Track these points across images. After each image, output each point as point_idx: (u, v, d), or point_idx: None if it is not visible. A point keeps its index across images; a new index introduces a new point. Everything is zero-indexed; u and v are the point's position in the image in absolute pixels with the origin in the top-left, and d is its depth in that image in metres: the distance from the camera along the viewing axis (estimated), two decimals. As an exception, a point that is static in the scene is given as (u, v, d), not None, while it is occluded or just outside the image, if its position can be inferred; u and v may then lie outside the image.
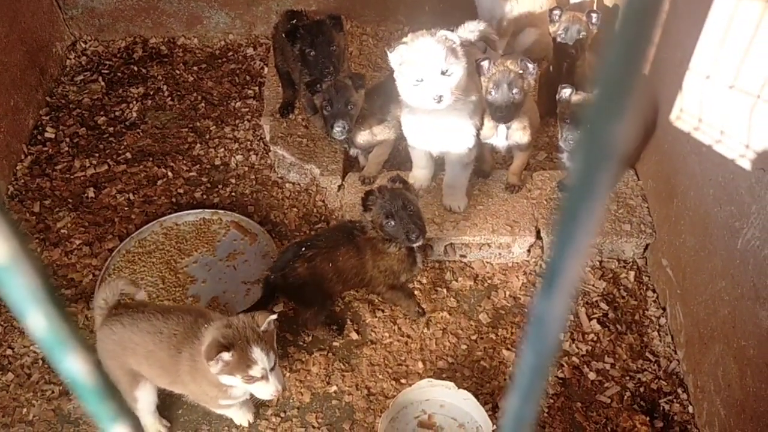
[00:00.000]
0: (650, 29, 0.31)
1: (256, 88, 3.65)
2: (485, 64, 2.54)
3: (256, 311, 2.04)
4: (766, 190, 1.94)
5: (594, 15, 2.88)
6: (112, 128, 3.45)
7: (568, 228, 0.33)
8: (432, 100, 2.38)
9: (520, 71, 2.51)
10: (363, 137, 2.86)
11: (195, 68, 3.80)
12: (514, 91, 2.50)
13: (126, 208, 3.06)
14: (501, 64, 2.52)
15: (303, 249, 2.43)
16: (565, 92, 2.53)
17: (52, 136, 3.41)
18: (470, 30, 2.94)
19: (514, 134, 2.70)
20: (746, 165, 2.04)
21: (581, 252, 0.33)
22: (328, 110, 2.67)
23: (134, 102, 3.59)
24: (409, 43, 2.41)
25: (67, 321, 0.40)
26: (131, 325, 2.03)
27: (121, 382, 2.13)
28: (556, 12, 2.97)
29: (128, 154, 3.31)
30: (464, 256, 2.86)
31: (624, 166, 2.90)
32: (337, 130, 2.66)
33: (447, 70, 2.37)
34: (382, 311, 2.69)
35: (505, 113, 2.55)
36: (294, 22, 2.95)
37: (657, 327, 2.64)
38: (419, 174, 2.89)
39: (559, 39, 2.95)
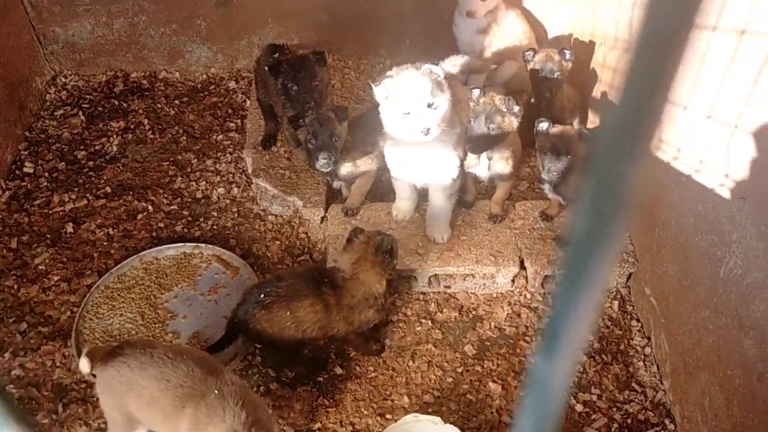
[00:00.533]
0: (670, 66, 0.30)
1: (239, 120, 3.64)
2: (476, 92, 2.57)
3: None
4: (747, 218, 1.95)
5: (567, 52, 2.93)
6: (91, 162, 3.42)
7: (573, 283, 0.31)
8: (419, 133, 2.40)
9: (504, 108, 2.54)
10: (346, 169, 2.85)
11: (176, 102, 3.80)
12: (491, 126, 2.53)
13: (105, 243, 3.02)
14: (488, 97, 2.55)
15: (262, 295, 2.35)
16: (542, 126, 2.57)
17: (31, 170, 3.37)
18: (453, 64, 2.99)
19: (496, 164, 2.72)
20: (726, 194, 2.05)
21: (588, 309, 0.31)
22: (312, 143, 2.67)
23: (114, 136, 3.57)
24: (395, 77, 2.43)
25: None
26: (139, 369, 1.95)
27: (117, 424, 2.06)
28: (529, 53, 3.03)
29: (108, 188, 3.27)
30: (448, 287, 2.84)
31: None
32: (322, 162, 2.66)
33: (433, 103, 2.39)
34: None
35: (474, 144, 2.58)
36: (276, 55, 2.96)
37: (642, 357, 2.63)
38: (402, 205, 2.89)
39: (540, 74, 2.99)
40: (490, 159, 2.71)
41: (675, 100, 2.36)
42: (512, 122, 2.61)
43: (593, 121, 3.25)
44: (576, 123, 3.23)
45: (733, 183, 2.02)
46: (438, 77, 2.42)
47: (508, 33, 3.51)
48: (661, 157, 2.52)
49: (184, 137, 3.57)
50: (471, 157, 2.73)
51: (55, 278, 2.86)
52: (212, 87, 3.90)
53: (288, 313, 2.32)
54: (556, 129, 2.58)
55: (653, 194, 2.62)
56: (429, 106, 2.39)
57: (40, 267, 2.91)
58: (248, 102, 3.66)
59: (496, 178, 2.80)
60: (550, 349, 0.32)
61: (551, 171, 2.55)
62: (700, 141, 2.23)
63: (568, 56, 2.94)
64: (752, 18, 1.89)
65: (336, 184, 3.00)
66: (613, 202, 0.32)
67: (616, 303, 2.81)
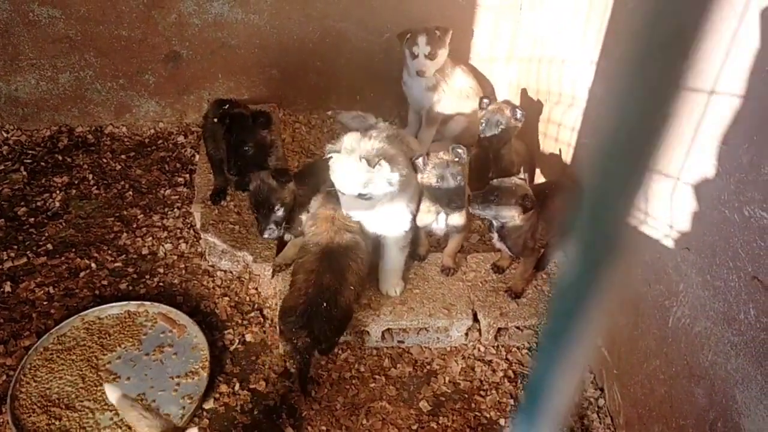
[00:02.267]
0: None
1: (187, 175, 3.59)
2: (419, 162, 2.60)
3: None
4: (691, 268, 2.00)
5: (519, 111, 3.01)
6: (32, 219, 3.30)
7: (556, 340, 0.29)
8: (346, 211, 2.51)
9: (455, 159, 2.57)
10: (304, 222, 2.82)
11: (123, 156, 3.73)
12: (458, 178, 2.56)
13: (45, 303, 2.89)
14: (435, 157, 2.58)
15: None
16: (494, 182, 2.61)
17: (-33, 227, 3.23)
18: (355, 117, 3.06)
19: (453, 218, 2.74)
20: (671, 244, 2.10)
21: (572, 371, 0.30)
22: (255, 214, 2.73)
23: (57, 191, 3.47)
24: (337, 158, 2.45)
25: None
26: None
27: None
28: (486, 101, 3.10)
29: (49, 246, 3.15)
30: (402, 342, 2.80)
31: (552, 248, 2.95)
32: (267, 234, 2.76)
33: (366, 194, 2.43)
34: (319, 403, 2.58)
35: (458, 201, 2.60)
36: (225, 107, 2.96)
37: (596, 408, 2.63)
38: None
39: (480, 128, 3.06)
40: (447, 214, 2.73)
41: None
42: (517, 127, 3.00)
43: (539, 174, 3.32)
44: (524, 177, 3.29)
45: (678, 233, 2.07)
46: (378, 161, 2.38)
47: (455, 89, 3.59)
48: (607, 209, 2.57)
49: (131, 192, 3.49)
50: (425, 214, 2.74)
51: (-11, 341, 2.71)
52: (160, 141, 3.85)
53: None
54: (507, 182, 2.61)
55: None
56: (361, 196, 2.43)
57: (-28, 329, 2.76)
58: (197, 156, 3.62)
59: (451, 231, 2.82)
60: (529, 416, 0.30)
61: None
62: (644, 193, 2.29)
63: (519, 116, 3.02)
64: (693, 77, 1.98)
65: (287, 236, 2.97)
66: (602, 253, 0.31)
67: (568, 354, 2.81)
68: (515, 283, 2.83)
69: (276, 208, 2.68)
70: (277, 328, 2.70)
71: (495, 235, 2.74)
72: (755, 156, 1.71)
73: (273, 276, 2.92)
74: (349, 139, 2.45)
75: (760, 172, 1.70)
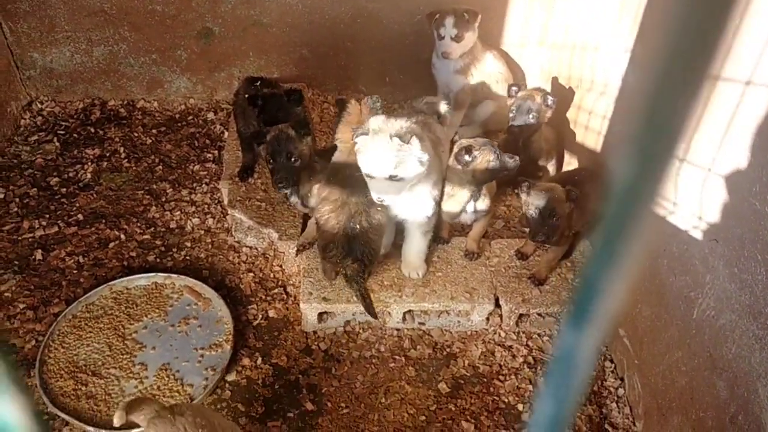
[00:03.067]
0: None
1: (216, 151, 3.63)
2: (514, 89, 2.97)
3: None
4: (719, 260, 1.98)
5: (550, 98, 3.00)
6: (64, 189, 3.36)
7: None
8: (375, 198, 2.45)
9: (541, 101, 2.96)
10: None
11: (154, 131, 3.78)
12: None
13: (75, 272, 2.95)
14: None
15: None
16: (525, 185, 2.60)
17: (1, 196, 3.30)
18: (427, 102, 3.01)
19: (480, 203, 2.75)
20: (699, 236, 2.08)
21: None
22: (271, 164, 2.70)
23: (89, 163, 3.53)
24: (364, 140, 2.42)
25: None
26: None
27: None
28: (514, 88, 3.08)
29: (80, 216, 3.22)
30: (423, 324, 2.82)
31: (580, 237, 2.94)
32: (282, 185, 2.74)
33: (396, 175, 2.39)
34: (339, 381, 2.61)
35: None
36: (257, 84, 2.97)
37: (615, 398, 2.62)
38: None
39: (510, 116, 3.05)
40: (475, 200, 2.74)
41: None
42: (548, 114, 3.04)
43: (569, 162, 3.29)
44: (552, 164, 3.28)
45: (706, 225, 2.05)
46: (411, 137, 2.36)
47: (485, 73, 3.57)
48: (635, 199, 2.55)
49: (160, 167, 3.54)
50: (454, 204, 2.75)
51: (21, 306, 2.78)
52: (190, 117, 3.89)
53: None
54: (541, 187, 2.59)
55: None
56: (391, 177, 2.39)
57: (5, 294, 2.83)
58: (226, 133, 3.65)
59: (478, 216, 2.82)
60: (578, 320, 0.31)
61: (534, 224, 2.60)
62: (674, 183, 2.27)
63: (550, 102, 3.00)
64: (728, 67, 1.95)
65: (292, 200, 2.97)
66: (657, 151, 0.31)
67: (589, 343, 2.80)
68: (539, 270, 2.83)
69: (293, 159, 2.67)
70: (321, 268, 2.78)
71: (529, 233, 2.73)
72: (790, 148, 1.69)
73: (297, 254, 2.94)
74: (376, 121, 2.45)
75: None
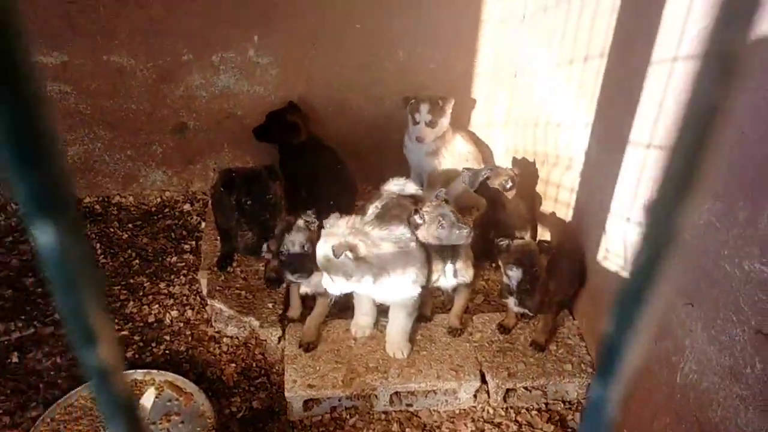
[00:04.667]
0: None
1: (193, 242, 3.64)
2: (416, 217, 2.67)
3: None
4: (696, 323, 2.02)
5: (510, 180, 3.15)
6: (40, 289, 3.32)
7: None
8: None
9: (443, 199, 2.80)
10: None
11: (130, 225, 3.79)
12: (456, 216, 2.71)
13: (52, 373, 2.88)
14: (427, 206, 2.68)
15: None
16: (503, 243, 2.68)
17: (-26, 299, 3.25)
18: (396, 184, 3.10)
19: (461, 271, 2.79)
20: (676, 299, 2.13)
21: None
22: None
23: (65, 261, 3.50)
24: (324, 237, 2.54)
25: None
26: None
27: None
28: (466, 173, 3.26)
29: (56, 316, 3.17)
30: (410, 405, 2.79)
31: (559, 307, 2.97)
32: (299, 274, 2.77)
33: (350, 275, 2.52)
34: (328, 470, 2.55)
35: (465, 227, 2.66)
36: (233, 174, 3.04)
37: (609, 469, 2.59)
38: (362, 321, 2.88)
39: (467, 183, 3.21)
40: (455, 264, 2.78)
41: (617, 211, 2.50)
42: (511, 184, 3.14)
43: (542, 234, 3.37)
44: (527, 236, 3.35)
45: (682, 290, 2.10)
46: (347, 246, 2.46)
47: (455, 154, 3.69)
48: (609, 267, 2.62)
49: (137, 261, 3.53)
50: (435, 270, 2.79)
51: (-5, 412, 2.70)
52: (167, 210, 3.91)
53: None
54: (519, 242, 2.70)
55: (603, 303, 2.69)
56: (345, 274, 2.52)
57: (-22, 401, 2.75)
58: (203, 224, 3.67)
59: (460, 285, 2.86)
60: (606, 374, 0.34)
61: (516, 282, 2.65)
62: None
63: (508, 183, 3.14)
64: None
65: (302, 289, 2.95)
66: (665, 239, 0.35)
67: (578, 415, 2.79)
68: (537, 336, 2.85)
69: (306, 249, 2.70)
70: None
71: (511, 300, 2.77)
72: (751, 212, 1.77)
73: (279, 341, 2.93)
74: (331, 221, 2.58)
75: (757, 228, 1.75)
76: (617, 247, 2.55)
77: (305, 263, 2.72)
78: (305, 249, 2.70)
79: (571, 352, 2.84)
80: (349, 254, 2.43)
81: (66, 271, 0.34)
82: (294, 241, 2.70)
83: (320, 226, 2.65)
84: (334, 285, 2.57)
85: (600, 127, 2.72)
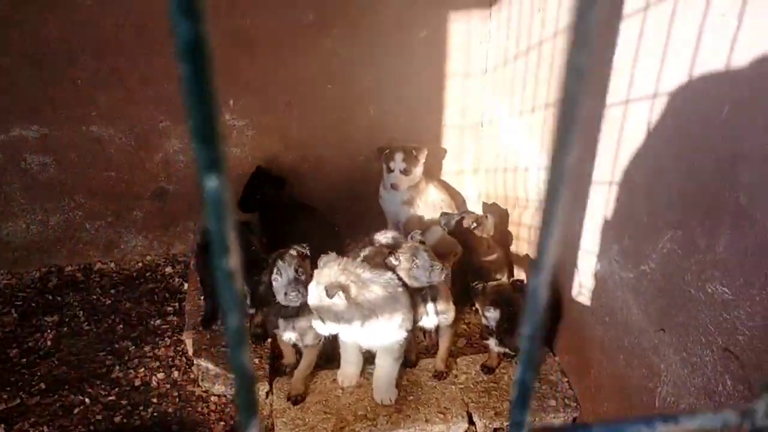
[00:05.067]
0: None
1: (176, 304, 3.67)
2: (391, 258, 2.77)
3: None
4: (668, 348, 2.12)
5: (489, 217, 3.27)
6: (24, 359, 3.32)
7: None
8: None
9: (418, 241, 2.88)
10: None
11: (112, 291, 3.81)
12: (430, 255, 2.81)
13: (40, 443, 2.87)
14: (404, 247, 2.78)
15: None
16: (478, 286, 2.79)
17: (-42, 373, 3.23)
18: (384, 236, 3.21)
19: (442, 311, 2.90)
20: (648, 327, 2.23)
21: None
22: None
23: (49, 331, 3.51)
24: (317, 277, 2.63)
25: None
26: None
27: None
28: (443, 217, 3.42)
29: (42, 385, 3.16)
30: (401, 451, 2.82)
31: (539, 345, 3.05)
32: (292, 295, 2.73)
33: (342, 318, 2.60)
34: None
35: (438, 266, 2.77)
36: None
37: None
38: (348, 370, 2.93)
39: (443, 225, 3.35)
40: (436, 303, 2.87)
41: (587, 247, 2.61)
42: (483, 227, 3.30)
43: (518, 274, 3.47)
44: (504, 278, 3.46)
45: (652, 316, 2.20)
46: (338, 287, 2.53)
47: (429, 202, 3.82)
48: (584, 302, 2.72)
49: (121, 325, 3.55)
50: (418, 311, 2.88)
51: (-18, 487, 2.67)
52: (148, 274, 3.95)
53: None
54: (493, 284, 2.80)
55: (581, 337, 2.78)
56: (336, 316, 2.59)
57: (-35, 477, 2.72)
58: (185, 285, 3.72)
59: (443, 325, 2.96)
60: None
61: (495, 322, 2.74)
62: (617, 280, 2.45)
63: (477, 220, 3.28)
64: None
65: (287, 336, 2.94)
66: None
67: (565, 449, 2.84)
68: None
69: (299, 273, 2.73)
70: None
71: (492, 341, 2.86)
72: (709, 239, 1.89)
73: (267, 396, 2.95)
74: (325, 259, 2.67)
75: (716, 253, 1.87)
76: (589, 281, 2.65)
77: (301, 286, 2.73)
78: (299, 273, 2.73)
79: (554, 388, 2.91)
80: (341, 295, 2.49)
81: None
82: (287, 267, 2.73)
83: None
84: (324, 327, 2.62)
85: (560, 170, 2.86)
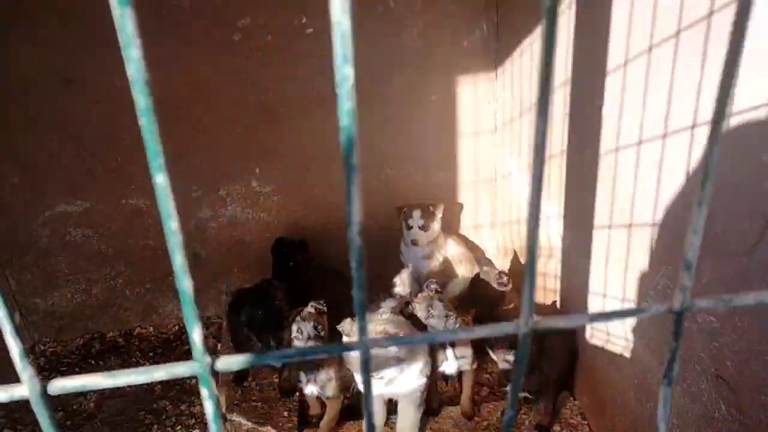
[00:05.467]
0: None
1: (211, 364, 3.84)
2: (408, 309, 2.95)
3: None
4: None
5: (505, 277, 3.38)
6: (69, 422, 3.51)
7: None
8: None
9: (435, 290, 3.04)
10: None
11: (151, 354, 4.01)
12: (443, 303, 2.96)
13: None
14: (420, 297, 2.98)
15: None
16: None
17: (8, 436, 3.44)
18: (389, 305, 3.37)
19: (461, 355, 3.03)
20: (651, 362, 2.32)
21: None
22: (257, 317, 3.04)
23: (92, 394, 3.71)
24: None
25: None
26: None
27: None
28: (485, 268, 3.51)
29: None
30: (426, 499, 2.88)
31: (560, 390, 3.13)
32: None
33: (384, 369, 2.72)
34: None
35: (452, 314, 2.94)
36: (240, 293, 3.31)
37: None
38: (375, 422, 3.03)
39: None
40: (455, 352, 3.01)
41: (595, 289, 2.73)
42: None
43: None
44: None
45: (655, 350, 2.30)
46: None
47: (449, 256, 3.96)
48: (596, 344, 2.82)
49: (159, 386, 3.73)
50: (439, 357, 3.00)
51: None
52: (184, 336, 4.15)
53: None
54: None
55: (596, 379, 2.86)
56: (377, 367, 2.72)
57: None
58: (219, 345, 3.89)
59: (464, 369, 3.08)
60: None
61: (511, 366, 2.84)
62: (622, 323, 2.55)
63: (505, 280, 3.38)
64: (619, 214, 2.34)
65: (309, 389, 3.05)
66: None
67: (590, 492, 2.88)
68: (541, 418, 2.99)
69: (319, 330, 2.86)
70: None
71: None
72: (695, 272, 2.00)
73: (298, 448, 3.07)
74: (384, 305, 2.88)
75: (701, 284, 1.98)
76: (600, 323, 2.75)
77: (320, 341, 2.85)
78: (318, 330, 2.86)
79: (575, 430, 2.97)
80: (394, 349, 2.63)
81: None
82: (306, 324, 2.86)
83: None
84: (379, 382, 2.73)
85: (570, 216, 3.00)
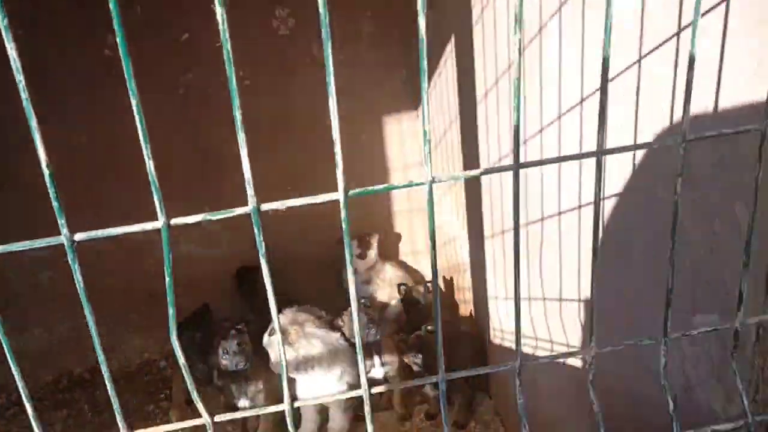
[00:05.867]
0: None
1: (168, 390, 4.15)
2: (339, 321, 3.28)
3: None
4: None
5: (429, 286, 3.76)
6: (35, 449, 3.78)
7: None
8: None
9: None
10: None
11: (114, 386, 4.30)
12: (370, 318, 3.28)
13: None
14: (347, 311, 3.28)
15: None
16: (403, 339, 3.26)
17: (-26, 472, 3.72)
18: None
19: (387, 362, 3.36)
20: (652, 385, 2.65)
21: None
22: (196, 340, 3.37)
23: (58, 423, 4.00)
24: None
25: None
26: None
27: None
28: (402, 286, 3.86)
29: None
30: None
31: (473, 390, 3.43)
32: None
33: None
34: None
35: (375, 327, 3.28)
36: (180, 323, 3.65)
37: None
38: (307, 427, 3.33)
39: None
40: (382, 359, 3.34)
41: (492, 295, 3.08)
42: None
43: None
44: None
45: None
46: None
47: (387, 280, 4.32)
48: (502, 344, 3.15)
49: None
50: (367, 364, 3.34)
51: None
52: (146, 368, 4.47)
53: None
54: (414, 335, 3.27)
55: (506, 377, 3.17)
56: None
57: None
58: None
59: (388, 375, 3.39)
60: None
61: (420, 368, 3.17)
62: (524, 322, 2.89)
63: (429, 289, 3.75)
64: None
65: (241, 403, 3.34)
66: None
67: (504, 482, 3.16)
68: (456, 416, 3.28)
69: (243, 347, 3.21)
70: None
71: (427, 386, 3.28)
72: (684, 316, 2.36)
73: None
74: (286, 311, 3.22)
75: (691, 326, 2.33)
76: (498, 324, 3.09)
77: (244, 354, 3.21)
78: (240, 346, 3.20)
79: (487, 427, 3.27)
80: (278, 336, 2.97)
81: None
82: (229, 342, 3.20)
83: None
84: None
85: (472, 234, 3.37)
